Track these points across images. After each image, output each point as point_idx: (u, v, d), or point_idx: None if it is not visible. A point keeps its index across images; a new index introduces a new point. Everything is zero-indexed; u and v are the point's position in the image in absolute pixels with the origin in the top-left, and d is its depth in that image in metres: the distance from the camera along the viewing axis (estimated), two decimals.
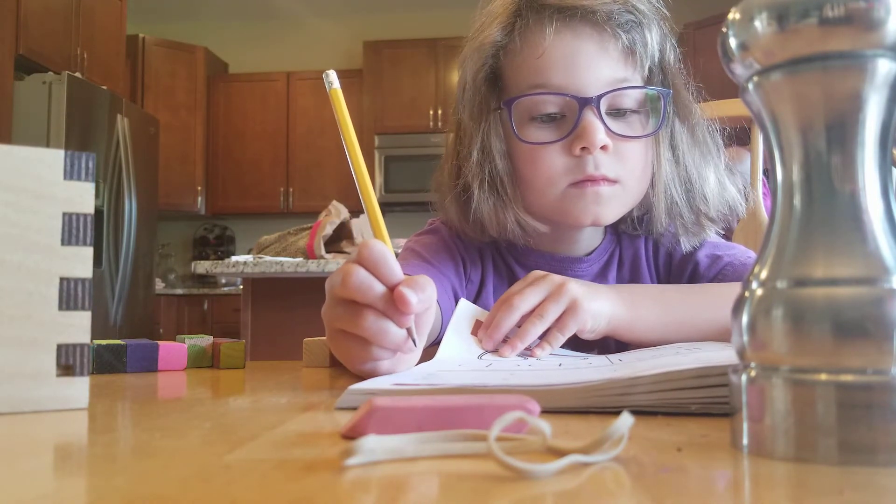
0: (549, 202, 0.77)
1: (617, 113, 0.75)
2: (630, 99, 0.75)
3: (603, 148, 0.73)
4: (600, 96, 0.73)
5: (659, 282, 0.85)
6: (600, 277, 0.84)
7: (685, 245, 0.81)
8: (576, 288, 0.65)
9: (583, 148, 0.73)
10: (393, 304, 0.46)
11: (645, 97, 0.77)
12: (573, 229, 0.81)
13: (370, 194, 0.53)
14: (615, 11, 0.73)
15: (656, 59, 0.77)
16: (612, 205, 0.76)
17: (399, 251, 0.85)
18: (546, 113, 0.75)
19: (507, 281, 0.85)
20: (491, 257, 0.86)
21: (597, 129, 0.72)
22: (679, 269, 0.84)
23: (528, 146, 0.75)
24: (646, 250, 0.85)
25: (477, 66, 0.78)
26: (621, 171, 0.75)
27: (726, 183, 0.80)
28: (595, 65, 0.74)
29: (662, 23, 0.78)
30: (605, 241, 0.85)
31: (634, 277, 0.85)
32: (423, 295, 0.46)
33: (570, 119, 0.74)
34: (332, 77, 0.55)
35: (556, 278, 0.66)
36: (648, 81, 0.77)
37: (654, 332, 0.68)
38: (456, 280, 0.82)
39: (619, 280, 0.85)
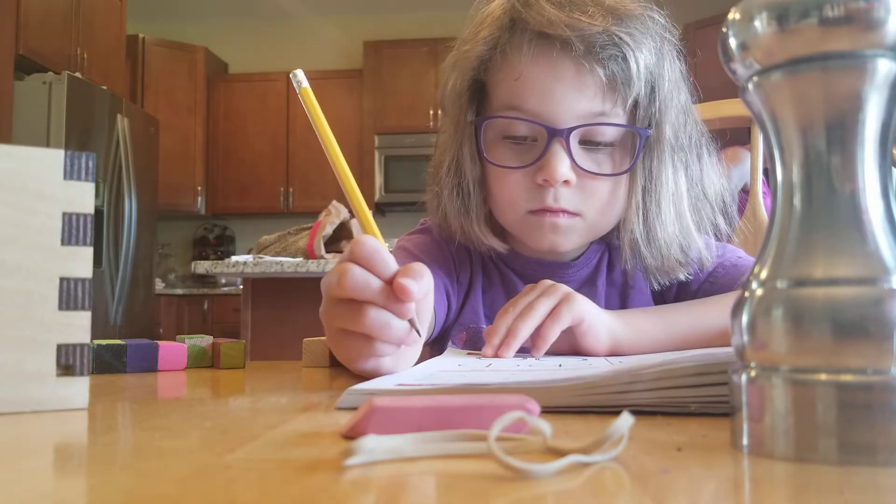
0: (510, 221, 0.78)
1: (591, 146, 0.73)
2: (607, 134, 0.73)
3: (566, 182, 0.72)
4: (570, 130, 0.71)
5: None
6: (589, 283, 0.83)
7: (654, 285, 0.79)
8: (568, 288, 0.65)
9: (545, 179, 0.72)
10: (393, 298, 0.46)
11: (625, 131, 0.74)
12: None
13: (354, 190, 0.52)
14: (597, 43, 0.70)
15: (643, 92, 0.72)
16: (571, 235, 0.75)
17: (388, 248, 0.85)
18: (518, 135, 0.74)
19: (495, 284, 0.85)
20: (480, 260, 0.85)
21: (560, 162, 0.71)
22: None
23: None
24: None
25: (459, 77, 0.77)
26: (583, 206, 0.73)
27: (692, 233, 0.76)
28: (570, 97, 0.71)
29: (663, 45, 0.74)
30: (593, 246, 0.84)
31: (626, 283, 0.83)
32: (422, 282, 0.46)
33: (540, 145, 0.73)
34: (301, 76, 0.53)
35: (549, 282, 0.66)
36: (633, 114, 0.74)
37: (659, 346, 0.68)
38: (447, 280, 0.82)
39: (610, 285, 0.83)
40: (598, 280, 0.83)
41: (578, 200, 0.73)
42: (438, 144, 0.83)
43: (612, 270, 0.84)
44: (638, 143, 0.73)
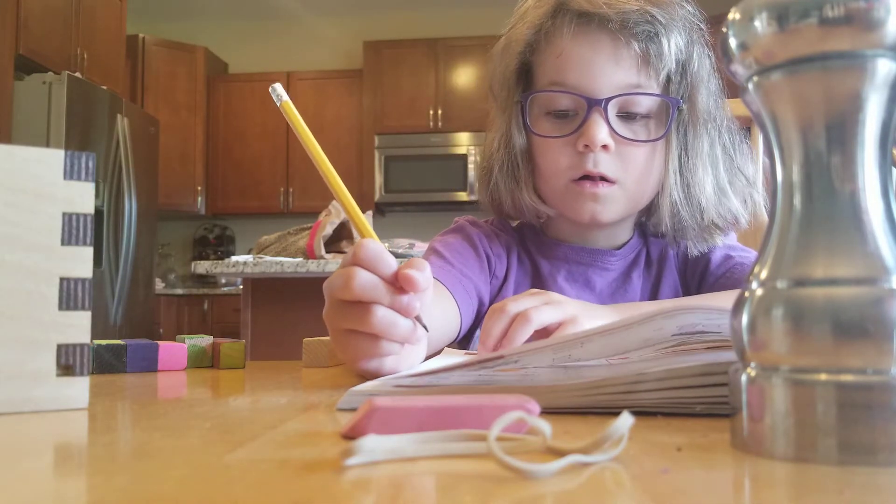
0: (554, 193, 0.83)
1: (628, 117, 0.79)
2: (642, 105, 0.78)
3: (604, 148, 0.77)
4: (609, 99, 0.77)
5: (679, 279, 0.88)
6: (624, 275, 0.87)
7: (692, 250, 0.85)
8: (574, 305, 0.64)
9: (585, 145, 0.77)
10: (398, 297, 0.47)
11: (659, 104, 0.79)
12: (576, 224, 0.85)
13: (346, 196, 0.53)
14: (631, 21, 0.76)
15: (674, 68, 0.79)
16: (611, 205, 0.80)
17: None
18: (560, 109, 0.80)
19: (529, 276, 0.88)
20: (517, 253, 0.89)
21: (599, 128, 0.76)
22: (693, 265, 0.87)
23: (541, 138, 0.81)
24: (672, 249, 0.89)
25: (507, 61, 0.84)
26: (621, 173, 0.78)
27: (728, 193, 0.82)
28: (608, 69, 0.77)
29: (692, 32, 0.80)
30: (636, 236, 0.89)
31: (660, 276, 0.87)
32: (425, 272, 0.48)
33: (580, 116, 0.78)
34: (280, 90, 0.54)
35: (555, 294, 0.66)
36: (666, 88, 0.80)
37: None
38: (480, 279, 0.85)
39: (646, 278, 0.88)
40: (634, 272, 0.87)
41: (616, 167, 0.78)
42: (489, 129, 0.89)
43: (649, 264, 0.89)
44: (671, 111, 0.79)
